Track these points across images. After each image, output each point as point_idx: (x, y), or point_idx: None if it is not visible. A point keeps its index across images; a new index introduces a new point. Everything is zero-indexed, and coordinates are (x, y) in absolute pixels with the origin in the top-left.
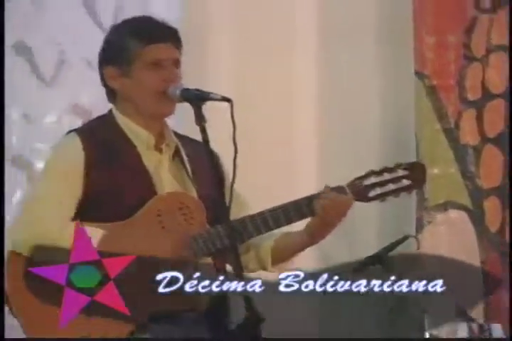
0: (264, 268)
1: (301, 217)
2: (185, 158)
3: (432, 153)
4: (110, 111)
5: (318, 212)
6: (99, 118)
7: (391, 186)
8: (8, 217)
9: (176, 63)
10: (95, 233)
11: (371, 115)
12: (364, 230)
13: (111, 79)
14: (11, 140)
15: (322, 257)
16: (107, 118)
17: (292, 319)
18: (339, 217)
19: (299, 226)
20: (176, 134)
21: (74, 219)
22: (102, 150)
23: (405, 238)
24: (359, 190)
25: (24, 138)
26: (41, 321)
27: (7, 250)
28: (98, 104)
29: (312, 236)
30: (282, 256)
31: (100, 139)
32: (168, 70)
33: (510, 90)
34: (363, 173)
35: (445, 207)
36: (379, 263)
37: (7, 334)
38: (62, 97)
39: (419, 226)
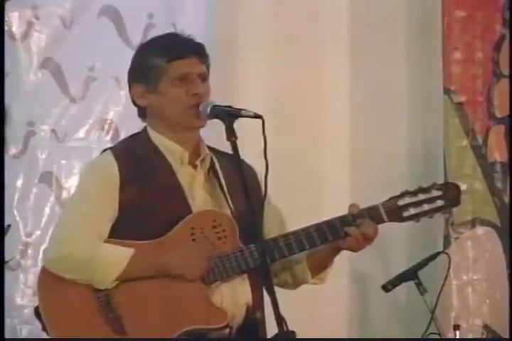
0: (305, 281)
1: (337, 237)
2: (220, 173)
3: (459, 170)
4: (144, 128)
5: (347, 240)
6: (133, 135)
7: (425, 206)
8: (38, 232)
9: (202, 77)
10: (126, 251)
11: (400, 131)
12: (394, 246)
13: (139, 97)
14: (40, 156)
15: (355, 274)
16: (141, 136)
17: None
18: (367, 244)
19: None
20: (213, 149)
21: (111, 236)
22: (137, 168)
23: (437, 254)
24: (393, 210)
25: (52, 154)
26: (69, 332)
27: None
28: (125, 121)
29: (338, 250)
30: (319, 266)
31: (135, 157)
32: (193, 84)
33: None
34: (392, 190)
35: (473, 223)
36: (412, 279)
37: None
38: (90, 114)
39: (447, 243)
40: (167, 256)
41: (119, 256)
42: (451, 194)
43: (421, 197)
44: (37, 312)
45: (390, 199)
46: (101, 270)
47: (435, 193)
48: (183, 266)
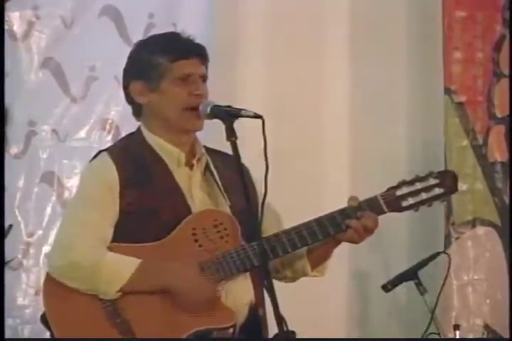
0: (306, 274)
1: (338, 231)
2: (215, 172)
3: (460, 170)
4: (139, 128)
5: (348, 232)
6: (128, 136)
7: (423, 195)
8: (39, 232)
9: (203, 78)
10: (131, 263)
11: (400, 131)
12: (394, 246)
13: (138, 94)
14: (41, 156)
15: (355, 274)
16: (136, 136)
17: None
18: (368, 236)
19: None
20: (207, 148)
21: (113, 240)
22: (135, 170)
23: (437, 254)
24: (392, 201)
25: (54, 154)
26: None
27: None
28: (127, 120)
29: (338, 243)
30: (318, 258)
31: (132, 159)
32: (195, 85)
33: None
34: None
35: (473, 223)
36: (412, 279)
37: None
38: (91, 114)
39: (447, 243)
40: (171, 277)
41: (124, 267)
42: (448, 181)
43: (418, 186)
44: (43, 319)
45: (388, 189)
46: (105, 280)
47: (432, 181)
48: (188, 294)
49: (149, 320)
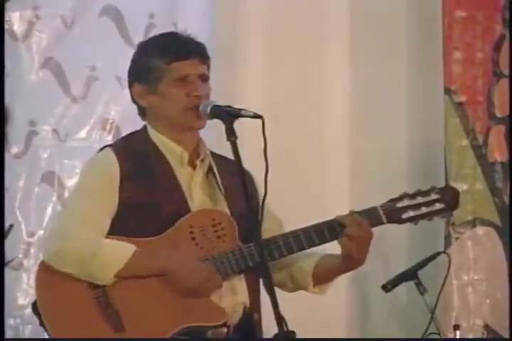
0: (305, 289)
1: (335, 237)
2: (218, 175)
3: (460, 170)
4: (144, 126)
5: (342, 240)
6: (133, 133)
7: (424, 209)
8: (40, 232)
9: (203, 78)
10: (127, 248)
11: (400, 131)
12: (394, 246)
13: (139, 97)
14: (42, 156)
15: (355, 274)
16: (141, 134)
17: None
18: (365, 244)
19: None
20: (212, 153)
21: (109, 233)
22: (137, 165)
23: (437, 254)
24: (392, 212)
25: (54, 154)
26: (68, 328)
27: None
28: (127, 120)
29: (346, 261)
30: (324, 278)
31: (135, 155)
32: (194, 85)
33: None
34: (392, 190)
35: (473, 223)
36: (411, 279)
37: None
38: (91, 114)
39: (447, 243)
40: (168, 260)
41: (120, 252)
42: (449, 197)
43: (420, 200)
44: (34, 307)
45: (389, 201)
46: (101, 266)
47: (434, 196)
48: (183, 273)
49: (140, 314)
